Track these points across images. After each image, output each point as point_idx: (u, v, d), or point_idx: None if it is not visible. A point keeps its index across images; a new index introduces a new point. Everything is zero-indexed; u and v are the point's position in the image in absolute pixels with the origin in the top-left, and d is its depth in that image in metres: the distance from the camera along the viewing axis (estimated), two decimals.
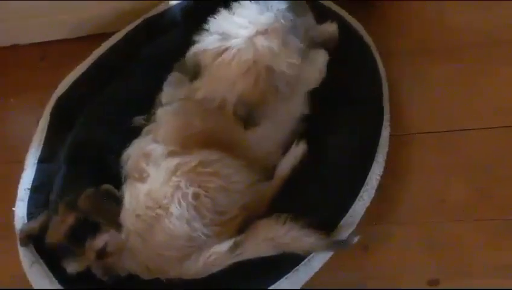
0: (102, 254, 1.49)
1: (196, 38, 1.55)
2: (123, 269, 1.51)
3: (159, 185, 1.48)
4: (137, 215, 1.48)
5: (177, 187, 1.46)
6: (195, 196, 1.45)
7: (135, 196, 1.50)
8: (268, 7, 1.53)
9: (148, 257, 1.48)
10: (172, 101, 1.64)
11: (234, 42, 1.49)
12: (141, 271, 1.49)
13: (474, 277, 1.51)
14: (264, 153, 1.59)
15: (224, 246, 1.43)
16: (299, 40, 1.53)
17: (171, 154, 1.52)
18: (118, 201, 1.53)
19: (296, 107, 1.60)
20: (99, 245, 1.48)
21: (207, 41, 1.53)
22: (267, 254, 1.43)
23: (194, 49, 1.55)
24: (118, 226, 1.50)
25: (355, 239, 1.43)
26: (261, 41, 1.48)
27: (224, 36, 1.51)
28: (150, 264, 1.48)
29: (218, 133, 1.55)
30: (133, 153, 1.59)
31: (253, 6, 1.54)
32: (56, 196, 1.61)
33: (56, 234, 1.51)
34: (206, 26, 1.55)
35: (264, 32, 1.49)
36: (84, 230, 1.48)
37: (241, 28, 1.50)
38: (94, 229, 1.49)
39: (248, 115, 1.49)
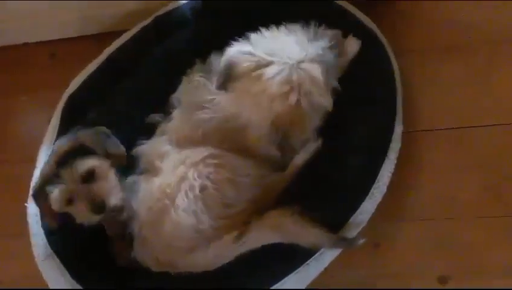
0: (88, 177, 1.45)
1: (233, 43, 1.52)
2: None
3: (168, 176, 1.50)
4: (149, 208, 1.50)
5: (184, 178, 1.47)
6: (203, 188, 1.46)
7: (149, 189, 1.52)
8: (317, 36, 1.51)
9: (158, 249, 1.49)
10: (192, 105, 1.60)
11: (280, 60, 1.46)
12: (152, 263, 1.51)
13: (485, 275, 1.52)
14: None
15: (230, 236, 1.45)
16: (335, 80, 1.53)
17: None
18: (117, 143, 1.54)
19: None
20: (85, 166, 1.45)
21: (246, 50, 1.50)
22: (272, 241, 1.43)
23: (229, 54, 1.51)
24: (109, 160, 1.50)
25: (361, 241, 1.43)
26: (309, 68, 1.45)
27: (269, 53, 1.47)
28: (159, 256, 1.49)
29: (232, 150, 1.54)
30: (148, 151, 1.60)
31: (302, 32, 1.51)
32: None
33: (46, 168, 1.50)
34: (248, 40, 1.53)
35: (312, 61, 1.46)
36: (75, 155, 1.46)
37: (290, 50, 1.47)
38: (85, 154, 1.47)
39: (283, 140, 1.49)
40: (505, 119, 1.66)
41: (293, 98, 1.45)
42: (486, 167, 1.62)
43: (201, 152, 1.50)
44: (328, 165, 1.55)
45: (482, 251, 1.55)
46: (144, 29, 1.94)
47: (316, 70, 1.45)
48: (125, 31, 1.96)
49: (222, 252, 1.46)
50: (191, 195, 1.46)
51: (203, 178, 1.47)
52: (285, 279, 1.46)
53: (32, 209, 1.64)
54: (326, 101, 1.49)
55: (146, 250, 1.51)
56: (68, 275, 1.55)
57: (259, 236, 1.44)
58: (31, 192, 1.56)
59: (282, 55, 1.46)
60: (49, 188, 1.45)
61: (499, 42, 1.77)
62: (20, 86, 2.17)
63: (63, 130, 1.75)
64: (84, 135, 1.51)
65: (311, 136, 1.56)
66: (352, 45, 1.67)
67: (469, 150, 1.65)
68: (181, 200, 1.46)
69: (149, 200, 1.50)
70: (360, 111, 1.60)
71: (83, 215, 1.47)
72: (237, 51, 1.51)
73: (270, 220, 1.45)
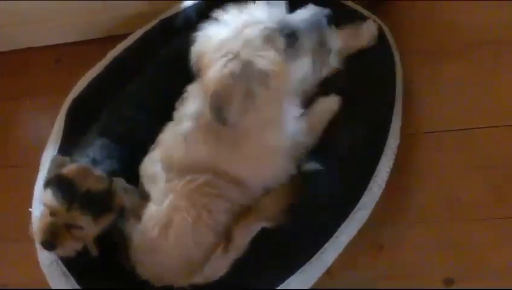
0: (70, 227, 1.45)
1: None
2: None
3: (159, 203, 1.50)
4: (142, 233, 1.50)
5: (177, 209, 1.46)
6: (197, 217, 1.45)
7: (145, 214, 1.52)
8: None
9: (154, 273, 1.50)
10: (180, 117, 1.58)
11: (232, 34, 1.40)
12: (153, 280, 1.51)
13: (490, 277, 1.51)
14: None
15: (218, 250, 1.45)
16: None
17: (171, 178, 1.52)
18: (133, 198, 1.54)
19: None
20: (80, 223, 1.45)
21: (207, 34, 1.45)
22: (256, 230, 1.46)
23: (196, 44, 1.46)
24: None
25: None
26: (247, 31, 1.39)
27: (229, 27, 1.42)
28: (158, 278, 1.50)
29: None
30: (142, 171, 1.61)
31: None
32: None
33: (77, 170, 1.50)
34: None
35: (256, 24, 1.39)
36: (94, 204, 1.46)
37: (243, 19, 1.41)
38: (97, 212, 1.46)
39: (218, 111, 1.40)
40: (508, 121, 1.65)
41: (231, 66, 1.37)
42: (490, 168, 1.61)
43: (193, 180, 1.47)
44: (324, 161, 1.54)
45: (487, 252, 1.53)
46: (149, 32, 1.95)
47: (252, 33, 1.38)
48: (130, 34, 1.96)
49: (216, 266, 1.46)
50: (182, 228, 1.45)
51: (199, 208, 1.45)
52: (289, 280, 1.46)
53: (36, 213, 1.64)
54: (266, 64, 1.37)
55: (143, 270, 1.51)
56: (73, 280, 1.54)
57: (244, 237, 1.45)
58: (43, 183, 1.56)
59: (236, 26, 1.40)
60: (52, 188, 1.45)
61: (501, 43, 1.76)
62: (24, 89, 2.19)
63: (67, 135, 1.75)
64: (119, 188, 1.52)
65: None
66: (371, 29, 1.66)
67: (472, 152, 1.64)
68: (172, 234, 1.46)
69: (144, 226, 1.50)
70: (358, 106, 1.59)
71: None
72: (201, 37, 1.46)
73: (248, 219, 1.46)
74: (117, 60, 1.90)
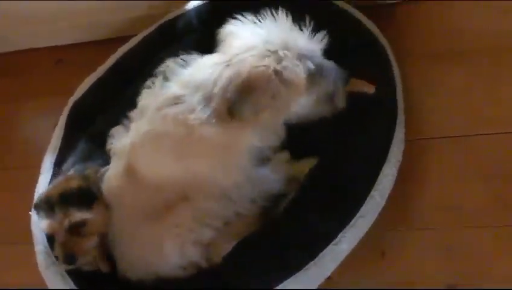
0: (74, 229, 1.48)
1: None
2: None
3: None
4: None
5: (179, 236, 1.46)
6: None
7: None
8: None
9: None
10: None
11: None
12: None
13: (492, 284, 1.50)
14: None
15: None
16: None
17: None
18: None
19: None
20: (78, 218, 1.47)
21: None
22: None
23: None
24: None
25: None
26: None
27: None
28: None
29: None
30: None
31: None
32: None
33: (51, 189, 1.53)
34: None
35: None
36: (76, 199, 1.48)
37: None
38: (84, 204, 1.49)
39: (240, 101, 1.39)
40: (510, 127, 1.64)
41: (268, 62, 1.39)
42: (492, 176, 1.60)
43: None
44: (327, 169, 1.54)
45: (489, 259, 1.53)
46: (151, 35, 1.95)
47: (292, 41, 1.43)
48: (132, 36, 1.96)
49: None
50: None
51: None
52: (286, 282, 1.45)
53: (35, 217, 1.63)
54: (299, 76, 1.42)
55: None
56: (72, 283, 1.54)
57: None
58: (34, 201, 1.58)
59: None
60: (41, 214, 1.49)
61: (502, 50, 1.75)
62: (26, 91, 2.19)
63: (67, 137, 1.75)
64: (92, 175, 1.54)
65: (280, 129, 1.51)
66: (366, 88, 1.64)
67: (475, 159, 1.64)
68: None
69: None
70: (360, 114, 1.58)
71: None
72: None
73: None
74: (118, 64, 1.90)
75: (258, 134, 1.46)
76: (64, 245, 1.47)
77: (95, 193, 1.51)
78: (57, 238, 1.48)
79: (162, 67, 1.55)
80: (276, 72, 1.38)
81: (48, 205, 1.48)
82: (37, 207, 1.52)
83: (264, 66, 1.38)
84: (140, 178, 1.46)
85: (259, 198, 1.50)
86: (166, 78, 1.51)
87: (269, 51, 1.40)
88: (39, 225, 1.52)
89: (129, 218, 1.49)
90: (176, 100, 1.43)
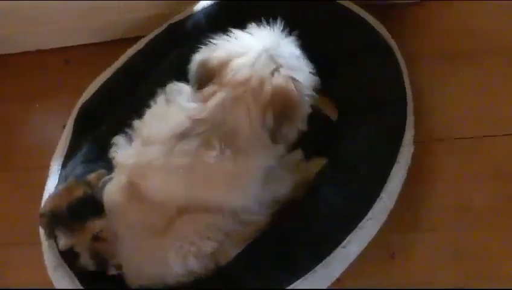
0: (97, 238, 1.50)
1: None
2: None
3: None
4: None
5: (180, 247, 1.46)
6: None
7: None
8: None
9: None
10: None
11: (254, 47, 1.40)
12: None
13: (502, 286, 1.50)
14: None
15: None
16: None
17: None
18: None
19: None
20: (98, 227, 1.49)
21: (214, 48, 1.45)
22: None
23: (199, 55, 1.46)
24: None
25: None
26: (287, 48, 1.41)
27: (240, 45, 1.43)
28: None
29: None
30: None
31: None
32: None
33: (56, 201, 1.53)
34: None
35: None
36: (87, 208, 1.50)
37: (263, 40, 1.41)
38: (96, 210, 1.50)
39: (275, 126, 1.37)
40: None
41: (283, 73, 1.35)
42: (502, 177, 1.60)
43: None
44: (336, 170, 1.54)
45: (499, 261, 1.53)
46: (159, 36, 1.94)
47: (295, 49, 1.41)
48: (140, 37, 1.96)
49: None
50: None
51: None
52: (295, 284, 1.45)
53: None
54: (310, 80, 1.40)
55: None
56: (79, 285, 1.55)
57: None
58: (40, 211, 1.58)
59: (255, 44, 1.39)
60: (58, 233, 1.52)
61: None
62: (34, 92, 2.18)
63: (75, 140, 1.75)
64: (95, 180, 1.56)
65: (303, 125, 1.45)
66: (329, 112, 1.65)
67: (484, 160, 1.64)
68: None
69: None
70: (369, 116, 1.59)
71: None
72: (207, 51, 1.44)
73: None
74: (127, 65, 1.90)
75: (275, 152, 1.46)
76: (92, 253, 1.50)
77: (99, 198, 1.52)
78: (79, 249, 1.51)
79: (163, 88, 1.55)
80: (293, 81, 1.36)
81: (60, 222, 1.50)
82: (45, 225, 1.55)
83: (286, 85, 1.34)
84: (143, 197, 1.45)
85: (267, 207, 1.50)
86: (168, 101, 1.50)
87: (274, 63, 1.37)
88: (59, 243, 1.53)
89: (130, 231, 1.49)
90: (188, 132, 1.40)
